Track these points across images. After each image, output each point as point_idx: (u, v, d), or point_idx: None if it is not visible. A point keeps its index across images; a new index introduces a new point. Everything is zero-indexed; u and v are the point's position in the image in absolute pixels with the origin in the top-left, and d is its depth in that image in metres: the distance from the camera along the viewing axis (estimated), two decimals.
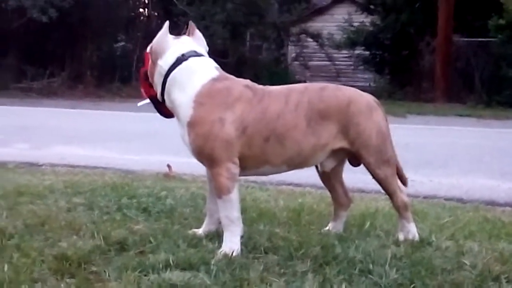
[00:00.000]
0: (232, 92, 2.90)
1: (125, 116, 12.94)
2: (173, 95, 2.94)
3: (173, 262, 2.61)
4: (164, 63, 2.97)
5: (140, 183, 4.59)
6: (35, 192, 4.10)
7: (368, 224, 3.43)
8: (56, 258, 2.64)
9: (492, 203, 4.63)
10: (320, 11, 24.41)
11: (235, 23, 20.12)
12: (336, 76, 22.57)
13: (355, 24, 21.26)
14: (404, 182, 3.17)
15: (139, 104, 3.33)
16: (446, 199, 4.64)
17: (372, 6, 21.22)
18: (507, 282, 2.50)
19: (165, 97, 2.99)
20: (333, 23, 22.73)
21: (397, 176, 3.12)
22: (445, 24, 17.49)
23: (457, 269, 2.63)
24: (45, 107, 15.01)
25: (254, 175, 3.08)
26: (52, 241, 2.88)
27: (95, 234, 2.99)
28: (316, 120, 2.93)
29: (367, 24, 20.99)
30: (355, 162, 3.13)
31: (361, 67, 21.58)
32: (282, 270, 2.59)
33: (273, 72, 20.47)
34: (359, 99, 3.05)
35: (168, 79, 2.95)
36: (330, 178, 3.26)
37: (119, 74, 21.76)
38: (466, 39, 18.10)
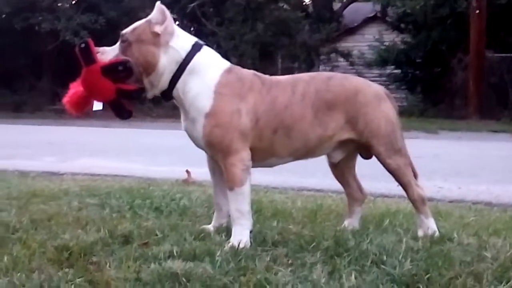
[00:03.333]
0: (244, 82, 2.81)
1: (154, 133, 13.00)
2: (190, 84, 2.78)
3: (177, 253, 2.51)
4: (180, 48, 2.79)
5: (157, 187, 4.52)
6: (49, 194, 4.06)
7: (387, 222, 3.28)
8: (57, 249, 2.55)
9: None
10: (351, 31, 24.31)
11: (264, 43, 20.13)
12: None
13: (386, 43, 21.10)
14: (415, 175, 3.02)
15: (95, 108, 2.87)
16: (474, 203, 4.43)
17: (402, 25, 21.07)
18: None
19: (178, 85, 2.79)
20: (364, 43, 22.63)
21: (411, 169, 2.98)
22: (477, 40, 17.18)
23: (477, 262, 2.46)
24: (77, 126, 15.18)
25: (259, 167, 2.95)
26: (56, 234, 2.80)
27: (101, 228, 2.91)
28: (323, 110, 2.84)
29: (398, 42, 20.81)
30: (366, 154, 3.01)
31: (393, 86, 21.31)
32: (290, 261, 2.46)
33: None
34: (366, 89, 2.94)
35: (188, 66, 2.78)
36: (343, 173, 3.15)
37: None
38: (499, 54, 17.74)
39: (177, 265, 2.32)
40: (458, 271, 2.30)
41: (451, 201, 4.50)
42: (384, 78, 21.71)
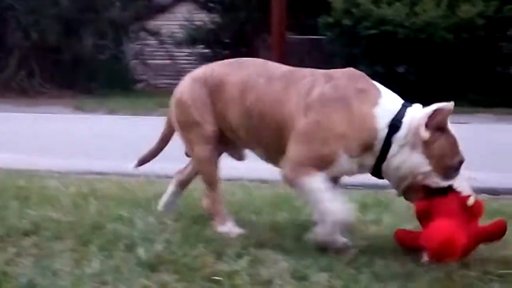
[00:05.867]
0: None
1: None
2: None
3: None
4: None
5: None
6: None
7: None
8: None
9: None
10: (162, 9, 24.16)
11: (68, 18, 19.23)
12: (178, 75, 22.38)
13: (197, 22, 21.27)
14: None
15: None
16: (250, 181, 4.54)
17: (211, 5, 21.35)
18: (271, 248, 2.48)
19: None
20: (174, 22, 22.62)
21: None
22: (279, 22, 17.94)
23: (223, 240, 2.57)
24: None
25: None
26: None
27: None
28: None
29: (208, 22, 21.09)
30: None
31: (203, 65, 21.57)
32: (37, 251, 2.38)
33: (112, 70, 19.96)
34: None
35: None
36: None
37: None
38: (299, 36, 18.74)
39: None
40: (202, 250, 2.39)
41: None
42: (194, 58, 21.93)
